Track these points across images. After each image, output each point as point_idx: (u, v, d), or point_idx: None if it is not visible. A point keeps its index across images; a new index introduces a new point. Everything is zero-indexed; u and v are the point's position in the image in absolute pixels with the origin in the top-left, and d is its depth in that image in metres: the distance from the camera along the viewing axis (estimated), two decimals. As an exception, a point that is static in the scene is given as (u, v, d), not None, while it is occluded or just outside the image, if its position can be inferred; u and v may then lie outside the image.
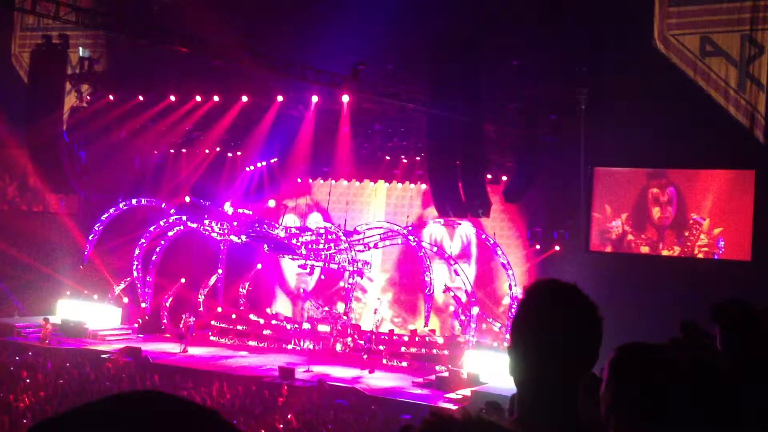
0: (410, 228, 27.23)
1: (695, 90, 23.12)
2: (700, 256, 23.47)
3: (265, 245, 28.34)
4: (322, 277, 29.30)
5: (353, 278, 26.88)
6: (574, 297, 2.03)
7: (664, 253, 24.04)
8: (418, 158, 26.51)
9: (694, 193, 23.72)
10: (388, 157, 27.51)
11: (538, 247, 25.68)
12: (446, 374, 23.04)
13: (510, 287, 25.69)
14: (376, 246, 27.33)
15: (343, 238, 26.70)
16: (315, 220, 29.44)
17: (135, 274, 28.99)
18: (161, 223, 28.79)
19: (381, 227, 27.56)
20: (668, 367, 2.48)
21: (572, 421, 1.98)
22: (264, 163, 29.58)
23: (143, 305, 29.13)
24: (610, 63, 22.91)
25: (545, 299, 2.04)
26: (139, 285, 29.12)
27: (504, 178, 25.54)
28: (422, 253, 26.52)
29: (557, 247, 25.03)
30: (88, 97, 28.57)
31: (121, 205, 29.32)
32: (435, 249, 26.82)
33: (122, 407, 1.25)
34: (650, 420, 2.35)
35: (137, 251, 28.95)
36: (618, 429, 2.26)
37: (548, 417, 1.97)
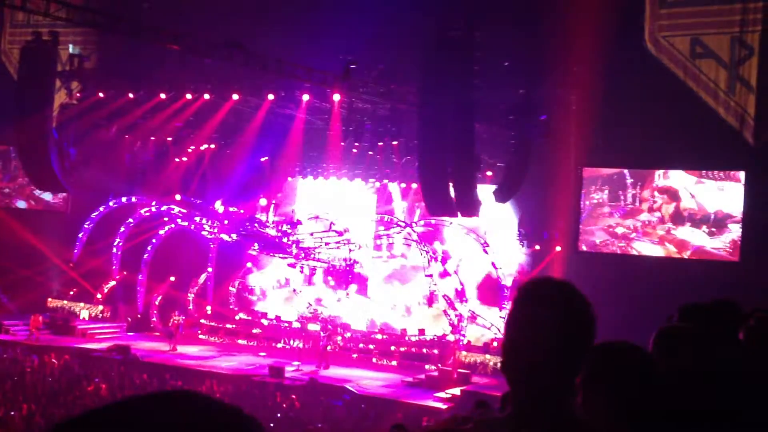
0: (405, 223, 27.26)
1: (685, 91, 23.21)
2: (686, 255, 23.57)
3: (256, 244, 28.32)
4: (313, 276, 29.28)
5: (345, 277, 26.89)
6: (567, 294, 2.03)
7: (653, 253, 24.13)
8: (409, 157, 26.52)
9: (683, 193, 23.81)
10: (379, 157, 27.52)
11: (527, 246, 25.74)
12: (436, 373, 23.07)
13: (500, 286, 25.77)
14: (366, 245, 27.34)
15: (345, 233, 26.70)
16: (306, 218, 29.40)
17: (114, 251, 29.00)
18: (145, 212, 28.89)
19: (380, 219, 27.68)
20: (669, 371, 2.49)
21: (566, 418, 1.98)
22: (255, 162, 29.54)
23: (102, 294, 29.10)
24: (601, 63, 22.96)
25: (539, 297, 2.03)
26: (114, 262, 29.12)
27: (494, 177, 25.57)
28: (418, 247, 26.56)
29: (539, 248, 25.08)
30: (78, 94, 28.42)
31: (111, 203, 29.25)
32: (427, 248, 26.85)
33: (155, 407, 1.23)
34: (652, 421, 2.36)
35: (117, 241, 28.97)
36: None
37: (541, 414, 1.97)
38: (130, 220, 29.31)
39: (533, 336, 1.99)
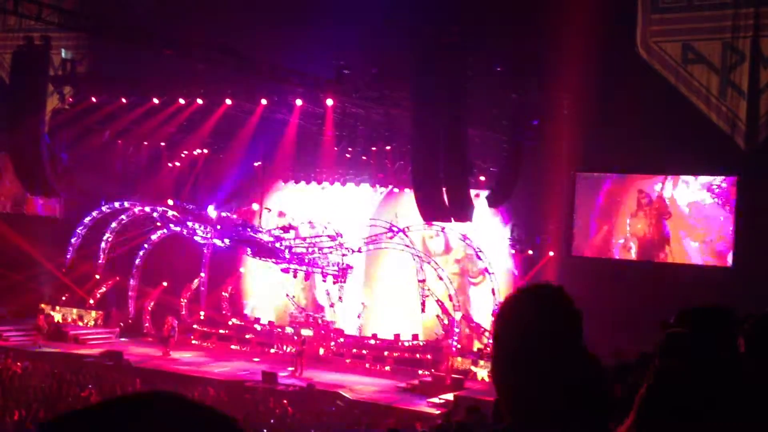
0: (396, 228, 27.21)
1: (677, 97, 23.28)
2: (679, 260, 23.62)
3: (249, 249, 28.27)
4: (305, 281, 29.26)
5: (338, 282, 26.86)
6: (555, 301, 2.01)
7: (646, 258, 24.17)
8: (402, 162, 26.54)
9: (674, 198, 23.88)
10: (372, 161, 27.53)
11: (520, 251, 25.76)
12: (429, 379, 23.05)
13: (492, 291, 25.76)
14: (360, 250, 27.33)
15: (338, 238, 26.58)
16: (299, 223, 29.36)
17: (102, 246, 28.97)
18: (139, 210, 28.91)
19: (374, 225, 27.59)
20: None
21: (560, 426, 1.97)
22: (248, 167, 29.50)
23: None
24: (593, 69, 23.03)
25: (526, 304, 2.02)
26: (101, 256, 28.99)
27: (487, 182, 25.60)
28: (410, 252, 26.56)
29: (532, 253, 25.12)
30: (71, 99, 28.38)
31: (103, 208, 29.18)
32: (420, 253, 26.84)
33: (135, 408, 1.24)
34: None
35: (107, 236, 28.89)
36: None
37: (533, 422, 1.96)
38: (123, 216, 29.21)
39: (521, 343, 1.98)
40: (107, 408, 1.23)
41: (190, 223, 28.49)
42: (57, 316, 28.77)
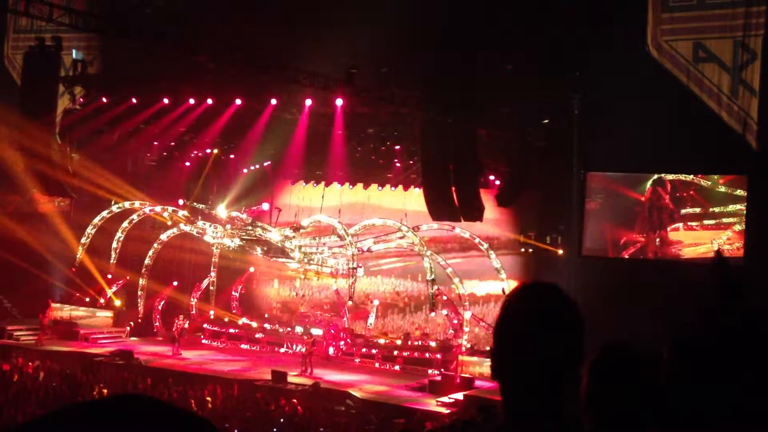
0: (408, 228, 27.21)
1: (688, 96, 23.17)
2: (690, 257, 23.53)
3: (258, 249, 28.32)
4: (316, 279, 29.29)
5: (348, 281, 26.87)
6: (554, 297, 2.02)
7: (656, 257, 24.08)
8: (411, 162, 26.53)
9: (686, 198, 23.79)
10: (381, 161, 27.52)
11: (530, 250, 25.73)
12: (439, 378, 23.03)
13: (503, 291, 25.72)
14: (370, 250, 27.34)
15: (348, 237, 26.51)
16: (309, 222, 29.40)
17: (114, 246, 28.99)
18: (150, 211, 28.95)
19: (383, 224, 27.55)
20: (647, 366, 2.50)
21: (558, 422, 1.97)
22: (257, 166, 29.56)
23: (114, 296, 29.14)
24: (604, 68, 22.96)
25: (525, 301, 2.03)
26: (113, 256, 28.98)
27: (497, 182, 25.58)
28: (419, 251, 26.54)
29: (551, 250, 25.08)
30: (81, 99, 28.48)
31: (114, 208, 29.29)
32: (429, 253, 26.82)
33: (105, 410, 1.23)
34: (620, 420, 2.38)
35: (118, 236, 28.94)
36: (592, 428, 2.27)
37: (533, 419, 1.96)
38: (134, 216, 29.31)
39: (521, 339, 1.98)
40: (80, 411, 1.22)
41: (200, 223, 28.58)
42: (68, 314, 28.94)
